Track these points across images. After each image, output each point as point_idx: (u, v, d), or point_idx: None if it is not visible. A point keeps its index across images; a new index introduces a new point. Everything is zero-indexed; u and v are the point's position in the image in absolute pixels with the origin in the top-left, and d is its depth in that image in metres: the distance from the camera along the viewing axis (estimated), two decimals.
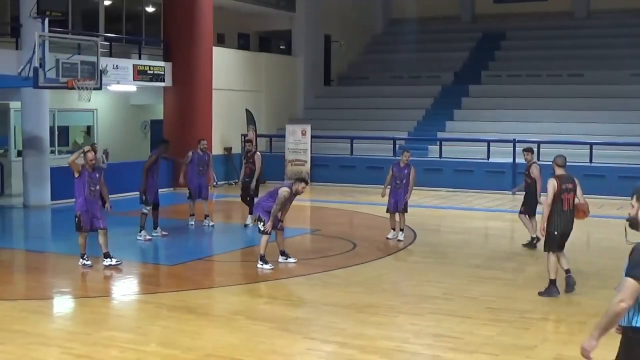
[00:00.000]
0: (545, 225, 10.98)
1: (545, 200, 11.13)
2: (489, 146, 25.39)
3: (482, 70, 32.54)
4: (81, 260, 13.25)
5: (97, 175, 13.26)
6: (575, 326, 9.76)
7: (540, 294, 11.07)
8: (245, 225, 17.41)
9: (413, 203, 21.20)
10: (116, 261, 13.20)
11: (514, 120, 27.87)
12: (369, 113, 30.87)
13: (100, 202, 13.46)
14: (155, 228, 16.17)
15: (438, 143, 26.83)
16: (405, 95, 31.68)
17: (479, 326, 9.55)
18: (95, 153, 20.68)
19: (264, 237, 12.99)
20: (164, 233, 16.25)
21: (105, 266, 13.13)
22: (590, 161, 24.01)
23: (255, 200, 16.00)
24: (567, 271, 11.26)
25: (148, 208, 15.81)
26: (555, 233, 11.02)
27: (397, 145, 26.73)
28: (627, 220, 5.37)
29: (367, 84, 33.60)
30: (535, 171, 15.03)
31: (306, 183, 13.38)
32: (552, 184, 11.00)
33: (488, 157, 25.16)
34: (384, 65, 34.74)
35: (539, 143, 23.21)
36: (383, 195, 15.83)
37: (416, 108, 30.78)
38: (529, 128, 26.88)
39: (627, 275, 4.94)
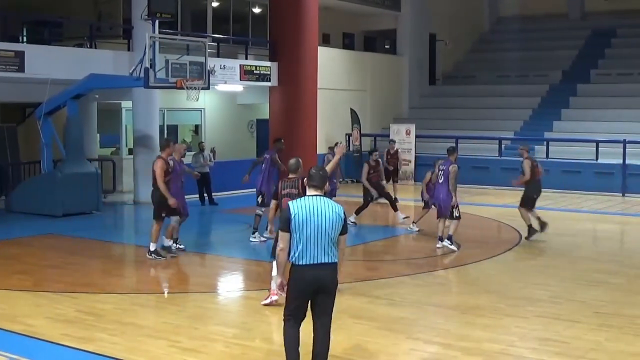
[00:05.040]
0: None
1: None
2: (597, 147, 24.78)
3: (592, 69, 31.81)
4: (174, 245, 14.24)
5: (182, 165, 14.29)
6: None
7: None
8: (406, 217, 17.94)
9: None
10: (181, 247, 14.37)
11: (624, 120, 27.14)
12: (474, 112, 30.56)
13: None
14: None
15: (545, 143, 26.32)
16: (511, 94, 31.24)
17: (586, 331, 9.34)
18: (203, 151, 21.28)
19: (455, 222, 14.28)
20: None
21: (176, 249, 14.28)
22: None
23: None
24: None
25: (263, 209, 15.54)
26: None
27: (502, 146, 26.36)
28: None
29: (473, 83, 33.30)
30: None
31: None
32: None
33: (597, 158, 24.56)
34: (491, 64, 34.36)
35: None
36: None
37: (523, 108, 30.31)
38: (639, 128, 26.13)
39: (279, 230, 7.11)
